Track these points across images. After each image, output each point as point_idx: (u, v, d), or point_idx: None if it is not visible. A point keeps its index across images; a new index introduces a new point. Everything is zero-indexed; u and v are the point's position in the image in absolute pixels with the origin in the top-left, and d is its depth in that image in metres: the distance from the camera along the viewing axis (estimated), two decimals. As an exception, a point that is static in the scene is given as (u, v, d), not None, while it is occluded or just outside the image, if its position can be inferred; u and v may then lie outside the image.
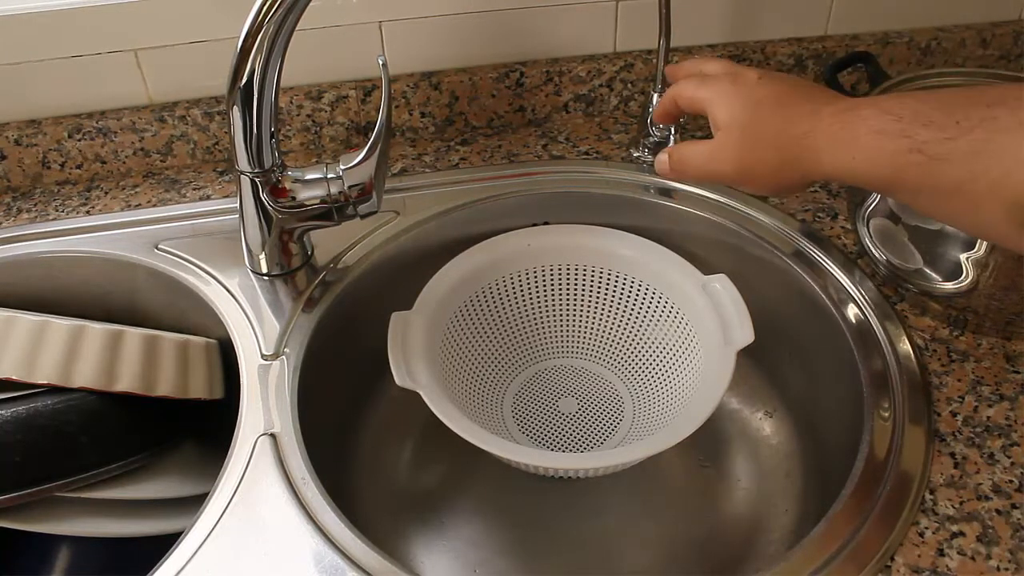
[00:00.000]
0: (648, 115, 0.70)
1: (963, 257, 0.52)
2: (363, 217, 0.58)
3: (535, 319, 0.67)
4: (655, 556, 0.59)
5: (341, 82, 0.73)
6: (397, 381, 0.52)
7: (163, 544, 0.46)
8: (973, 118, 0.35)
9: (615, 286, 0.65)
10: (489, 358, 0.65)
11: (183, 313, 0.63)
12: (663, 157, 0.50)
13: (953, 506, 0.47)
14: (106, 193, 0.71)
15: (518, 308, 0.66)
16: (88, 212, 0.69)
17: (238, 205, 0.58)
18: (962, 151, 0.35)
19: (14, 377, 0.53)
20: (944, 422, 0.51)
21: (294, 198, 0.57)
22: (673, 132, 0.70)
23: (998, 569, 0.44)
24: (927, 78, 0.61)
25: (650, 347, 0.64)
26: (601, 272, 0.65)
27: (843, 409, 0.56)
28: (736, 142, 0.46)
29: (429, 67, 0.75)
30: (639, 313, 0.64)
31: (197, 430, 0.63)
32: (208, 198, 0.70)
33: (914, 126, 0.37)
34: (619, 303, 0.65)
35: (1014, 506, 0.46)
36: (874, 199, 0.57)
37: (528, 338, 0.67)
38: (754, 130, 0.45)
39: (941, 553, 0.44)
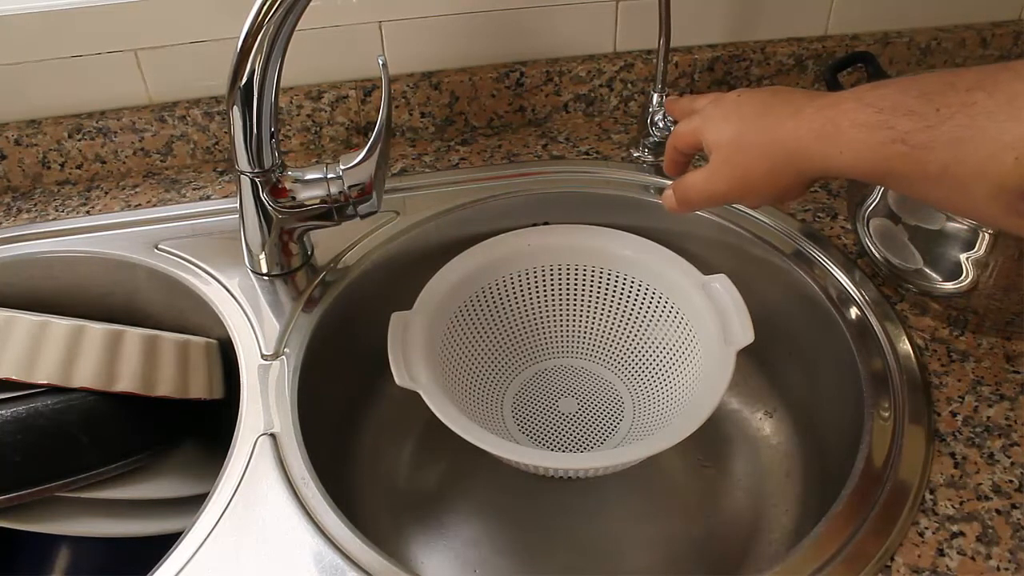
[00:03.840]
0: (648, 115, 0.70)
1: (963, 257, 0.52)
2: (363, 217, 0.58)
3: (535, 319, 0.67)
4: (655, 556, 0.59)
5: (341, 82, 0.73)
6: (397, 381, 0.52)
7: (163, 544, 0.46)
8: (953, 104, 0.35)
9: (615, 286, 0.65)
10: (489, 358, 0.65)
11: (183, 313, 0.63)
12: (668, 193, 0.52)
13: (953, 506, 0.47)
14: (106, 193, 0.71)
15: (518, 308, 0.66)
16: (88, 212, 0.69)
17: (238, 205, 0.58)
18: (944, 138, 0.35)
19: (14, 377, 0.53)
20: (944, 422, 0.51)
21: (294, 198, 0.57)
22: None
23: (998, 569, 0.44)
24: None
25: (650, 347, 0.64)
26: (601, 272, 0.65)
27: (843, 409, 0.56)
28: (727, 160, 0.47)
29: (429, 67, 0.75)
30: (639, 313, 0.64)
31: (197, 430, 0.63)
32: (208, 198, 0.70)
33: (895, 117, 0.37)
34: (619, 303, 0.65)
35: (1014, 506, 0.46)
36: (874, 199, 0.57)
37: (528, 338, 0.67)
38: (741, 142, 0.46)
39: (941, 553, 0.44)
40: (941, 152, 0.36)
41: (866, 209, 0.58)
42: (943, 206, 0.41)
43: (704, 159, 0.48)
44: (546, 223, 0.67)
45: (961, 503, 0.47)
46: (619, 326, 0.66)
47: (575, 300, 0.66)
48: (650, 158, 0.71)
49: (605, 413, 0.63)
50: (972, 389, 0.53)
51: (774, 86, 0.49)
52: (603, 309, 0.66)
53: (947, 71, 0.38)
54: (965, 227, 0.51)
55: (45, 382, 0.53)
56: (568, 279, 0.66)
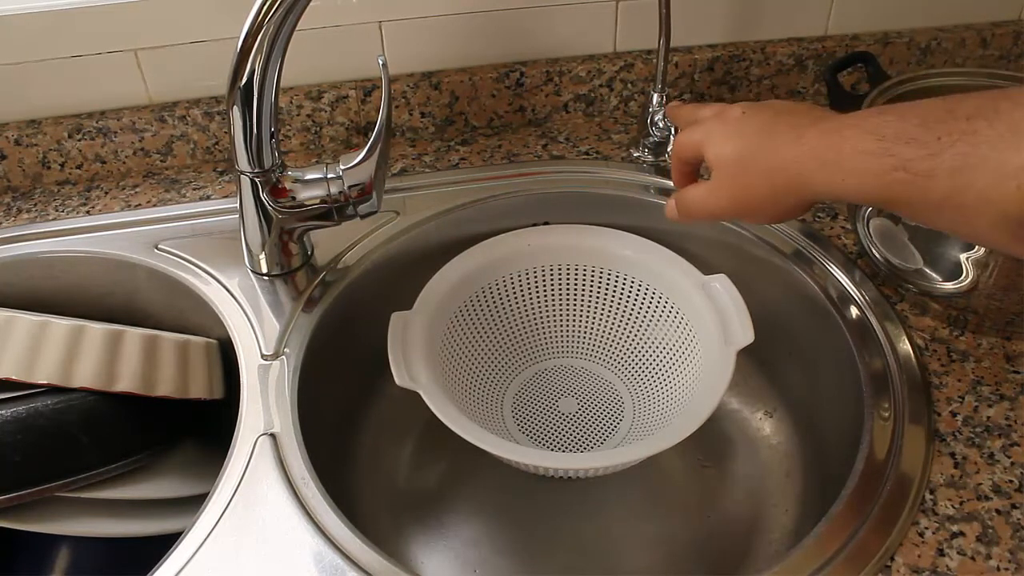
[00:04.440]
0: (648, 115, 0.70)
1: (963, 257, 0.52)
2: (363, 217, 0.58)
3: (535, 319, 0.67)
4: (655, 556, 0.59)
5: (341, 82, 0.73)
6: (397, 381, 0.52)
7: (163, 544, 0.46)
8: (954, 133, 0.35)
9: (615, 286, 0.65)
10: (489, 358, 0.65)
11: (183, 313, 0.63)
12: (671, 203, 0.51)
13: (953, 506, 0.47)
14: (106, 193, 0.71)
15: (518, 308, 0.66)
16: (88, 212, 0.69)
17: (238, 205, 0.58)
18: (946, 167, 0.35)
19: (14, 377, 0.53)
20: (944, 422, 0.51)
21: (294, 198, 0.57)
22: (673, 133, 0.70)
23: (998, 569, 0.44)
24: (927, 78, 0.61)
25: (650, 347, 0.64)
26: (601, 272, 0.65)
27: (843, 409, 0.56)
28: (728, 178, 0.46)
29: (429, 67, 0.75)
30: (639, 313, 0.64)
31: (197, 430, 0.63)
32: (208, 198, 0.70)
33: (897, 144, 0.37)
34: (619, 303, 0.65)
35: (1014, 506, 0.46)
36: (874, 199, 0.57)
37: (528, 338, 0.67)
38: (743, 164, 0.46)
39: (941, 553, 0.44)
40: (943, 180, 0.36)
41: (866, 209, 0.58)
42: (947, 231, 0.41)
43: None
44: (546, 223, 0.67)
45: (961, 503, 0.47)
46: (619, 326, 0.66)
47: (575, 300, 0.66)
48: (650, 158, 0.71)
49: (605, 413, 0.63)
50: (972, 389, 0.53)
51: (780, 102, 0.48)
52: (603, 309, 0.66)
53: (946, 97, 0.37)
54: (965, 227, 0.51)
55: (45, 382, 0.53)
56: (568, 279, 0.66)
